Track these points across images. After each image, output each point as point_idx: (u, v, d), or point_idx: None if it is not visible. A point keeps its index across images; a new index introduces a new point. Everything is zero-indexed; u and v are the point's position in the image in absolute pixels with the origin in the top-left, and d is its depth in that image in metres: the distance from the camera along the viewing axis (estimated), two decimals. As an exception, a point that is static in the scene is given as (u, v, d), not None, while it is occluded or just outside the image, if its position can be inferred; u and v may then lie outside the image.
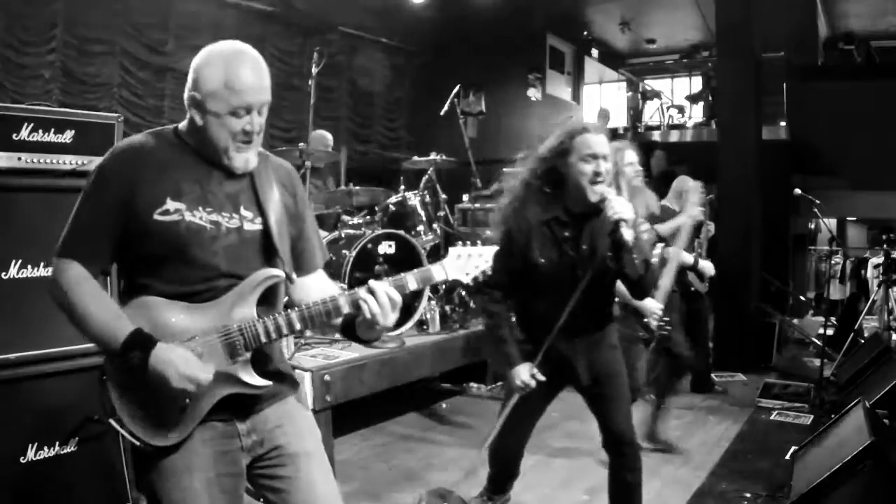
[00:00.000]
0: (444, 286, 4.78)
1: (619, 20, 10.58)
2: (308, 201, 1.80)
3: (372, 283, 1.56)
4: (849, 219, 11.48)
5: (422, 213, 4.70)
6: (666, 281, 3.40)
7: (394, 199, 4.69)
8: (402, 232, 4.38)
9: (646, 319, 3.31)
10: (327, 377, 3.35)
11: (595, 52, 10.92)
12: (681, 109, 10.76)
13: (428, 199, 4.85)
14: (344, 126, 8.14)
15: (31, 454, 2.47)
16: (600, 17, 10.52)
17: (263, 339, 1.53)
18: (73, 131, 2.67)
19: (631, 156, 3.05)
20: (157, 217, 1.49)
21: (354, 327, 1.64)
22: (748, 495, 3.15)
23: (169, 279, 1.51)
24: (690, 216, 3.65)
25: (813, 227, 9.82)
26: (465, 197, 5.90)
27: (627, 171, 3.12)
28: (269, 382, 1.57)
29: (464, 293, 4.87)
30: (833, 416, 3.42)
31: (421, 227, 4.66)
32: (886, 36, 9.95)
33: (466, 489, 3.13)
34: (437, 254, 4.92)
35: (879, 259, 6.24)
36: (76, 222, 1.55)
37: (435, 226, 4.80)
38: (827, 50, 10.10)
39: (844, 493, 2.52)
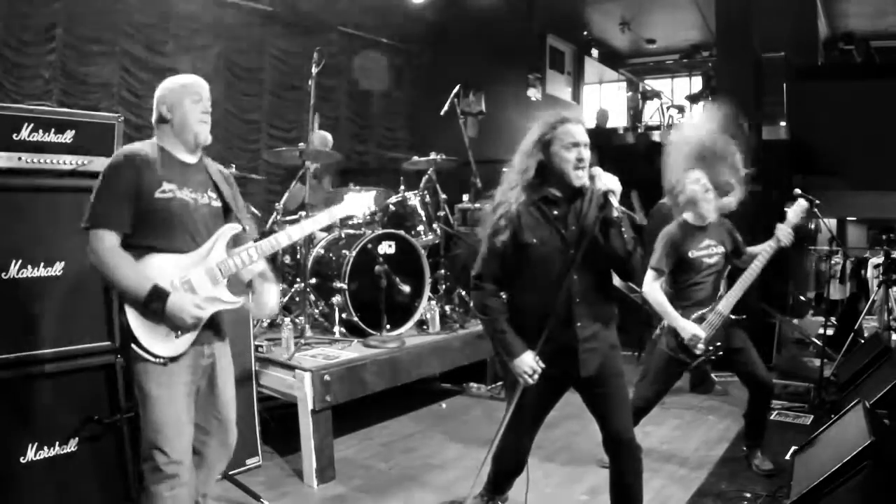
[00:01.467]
0: (444, 286, 4.81)
1: (619, 20, 10.58)
2: (236, 188, 2.47)
3: (290, 227, 2.44)
4: (849, 219, 11.46)
5: (422, 213, 4.70)
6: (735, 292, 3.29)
7: (394, 199, 4.69)
8: (402, 232, 4.38)
9: (687, 342, 3.24)
10: (327, 377, 3.35)
11: (595, 52, 10.91)
12: (681, 109, 10.75)
13: (428, 199, 4.85)
14: (344, 126, 8.13)
15: (31, 454, 2.48)
16: (600, 17, 10.51)
17: (233, 269, 2.24)
18: (73, 131, 2.68)
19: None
20: (157, 195, 2.12)
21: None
22: (748, 495, 3.15)
23: (167, 238, 2.14)
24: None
25: (813, 227, 9.80)
26: (465, 197, 5.89)
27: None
28: (241, 299, 2.28)
29: (464, 293, 4.88)
30: (833, 416, 3.41)
31: (421, 227, 4.66)
32: (886, 36, 9.95)
33: (467, 489, 3.13)
34: (437, 253, 4.93)
35: (879, 259, 6.24)
36: (102, 199, 2.09)
37: (435, 226, 4.80)
38: (827, 50, 10.09)
39: (844, 492, 2.52)
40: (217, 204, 2.31)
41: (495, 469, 2.80)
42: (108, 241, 2.06)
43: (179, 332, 2.13)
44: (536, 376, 2.37)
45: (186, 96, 2.22)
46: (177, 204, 2.15)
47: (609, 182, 2.27)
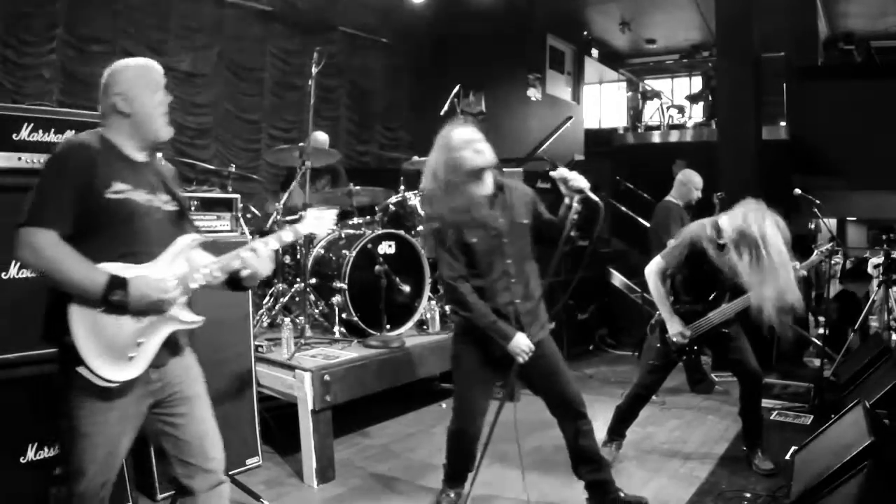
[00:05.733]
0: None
1: (619, 20, 10.58)
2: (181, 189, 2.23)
3: (253, 242, 2.07)
4: (849, 219, 11.46)
5: (422, 213, 4.69)
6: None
7: (394, 199, 4.69)
8: (401, 232, 4.38)
9: (667, 335, 3.36)
10: (327, 377, 3.35)
11: (595, 52, 10.91)
12: (681, 109, 10.77)
13: (428, 199, 4.84)
14: (343, 126, 8.13)
15: (31, 454, 2.48)
16: (600, 17, 10.51)
17: (199, 284, 1.98)
18: (73, 131, 2.67)
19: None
20: (108, 195, 1.86)
21: (239, 280, 2.10)
22: (748, 495, 3.15)
23: (118, 245, 1.87)
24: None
25: (813, 227, 9.80)
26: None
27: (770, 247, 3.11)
28: (202, 318, 2.02)
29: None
30: (833, 416, 3.41)
31: (421, 227, 4.65)
32: (886, 36, 9.95)
33: (468, 489, 3.13)
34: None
35: (879, 259, 6.22)
36: (42, 196, 1.83)
37: (435, 226, 4.78)
38: (827, 50, 10.10)
39: (844, 492, 2.52)
40: (171, 208, 2.05)
41: (454, 459, 2.93)
42: (45, 236, 1.78)
43: (142, 341, 1.87)
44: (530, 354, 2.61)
45: (146, 87, 1.98)
46: (131, 206, 1.90)
47: (580, 182, 2.53)
